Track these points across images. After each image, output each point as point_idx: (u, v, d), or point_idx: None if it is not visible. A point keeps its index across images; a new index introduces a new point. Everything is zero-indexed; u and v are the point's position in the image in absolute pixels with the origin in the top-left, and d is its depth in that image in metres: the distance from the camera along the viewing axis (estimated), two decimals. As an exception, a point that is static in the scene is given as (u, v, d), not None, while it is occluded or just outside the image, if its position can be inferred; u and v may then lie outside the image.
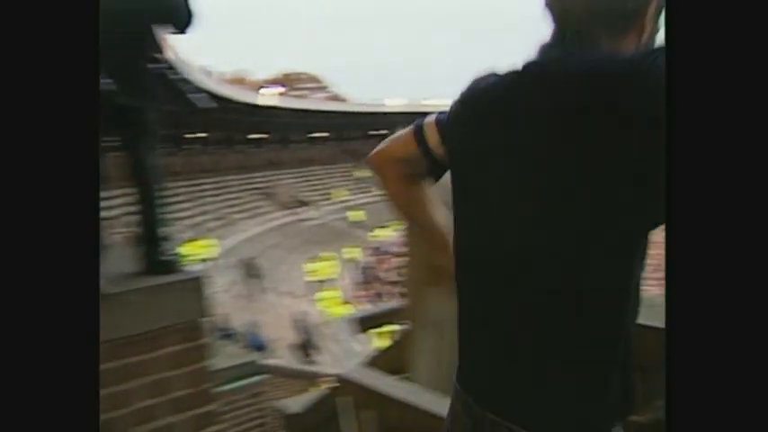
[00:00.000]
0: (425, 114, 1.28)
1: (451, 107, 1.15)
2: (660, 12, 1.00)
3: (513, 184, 0.96)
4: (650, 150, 0.84)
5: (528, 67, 0.99)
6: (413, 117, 1.38)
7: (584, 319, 0.92)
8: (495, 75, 1.05)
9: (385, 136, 1.46)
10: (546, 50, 0.99)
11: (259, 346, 13.37)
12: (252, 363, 4.61)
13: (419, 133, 1.27)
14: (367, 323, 4.44)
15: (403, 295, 2.79)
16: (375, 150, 1.35)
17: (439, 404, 2.31)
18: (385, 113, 46.07)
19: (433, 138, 1.25)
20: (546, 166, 0.90)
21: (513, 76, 1.00)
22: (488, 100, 1.04)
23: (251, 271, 21.75)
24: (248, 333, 14.47)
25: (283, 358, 13.48)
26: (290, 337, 15.88)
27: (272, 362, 9.47)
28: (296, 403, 3.95)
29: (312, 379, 7.86)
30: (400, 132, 1.31)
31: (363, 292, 22.41)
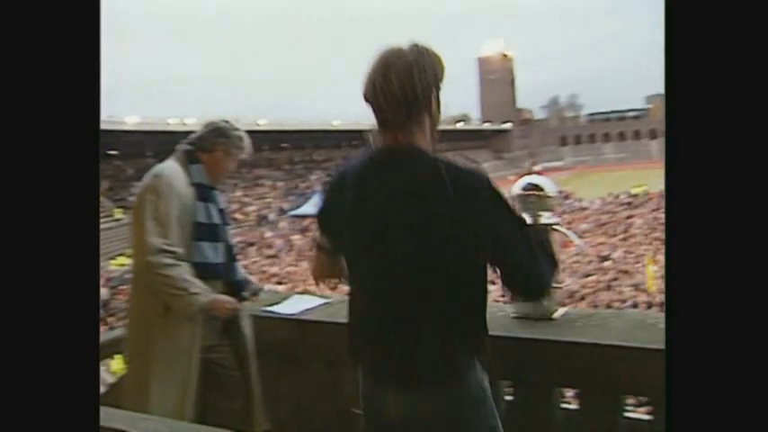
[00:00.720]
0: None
1: (318, 209, 1.80)
2: (439, 91, 1.59)
3: (388, 230, 1.55)
4: (468, 215, 1.49)
5: (371, 175, 1.60)
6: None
7: (455, 300, 1.57)
8: (347, 169, 1.67)
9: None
10: (379, 152, 1.60)
11: None
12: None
13: (317, 245, 1.92)
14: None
15: (128, 325, 2.64)
16: (311, 273, 2.04)
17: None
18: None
19: (322, 242, 1.88)
20: (410, 238, 1.52)
21: (365, 181, 1.60)
22: (348, 186, 1.63)
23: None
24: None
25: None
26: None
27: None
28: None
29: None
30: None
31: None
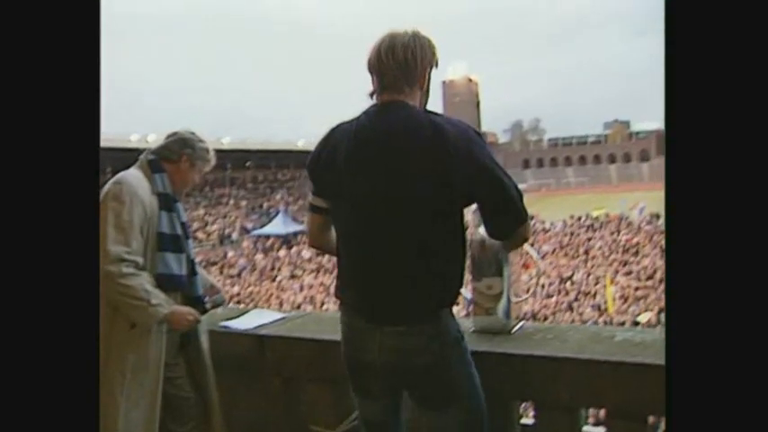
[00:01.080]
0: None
1: (310, 158, 1.93)
2: (431, 71, 1.86)
3: (377, 189, 1.75)
4: (453, 171, 1.69)
5: (366, 122, 1.80)
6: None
7: (432, 245, 1.77)
8: (343, 125, 1.87)
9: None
10: (377, 105, 1.82)
11: None
12: None
13: (312, 206, 2.04)
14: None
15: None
16: (308, 242, 2.23)
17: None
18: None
19: (316, 201, 2.00)
20: (395, 181, 1.72)
21: (360, 126, 1.80)
22: (343, 144, 1.81)
23: None
24: None
25: None
26: None
27: None
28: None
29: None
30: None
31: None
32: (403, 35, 1.80)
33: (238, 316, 2.91)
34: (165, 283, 2.45)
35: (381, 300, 1.81)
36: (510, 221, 1.85)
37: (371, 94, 1.86)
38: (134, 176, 2.51)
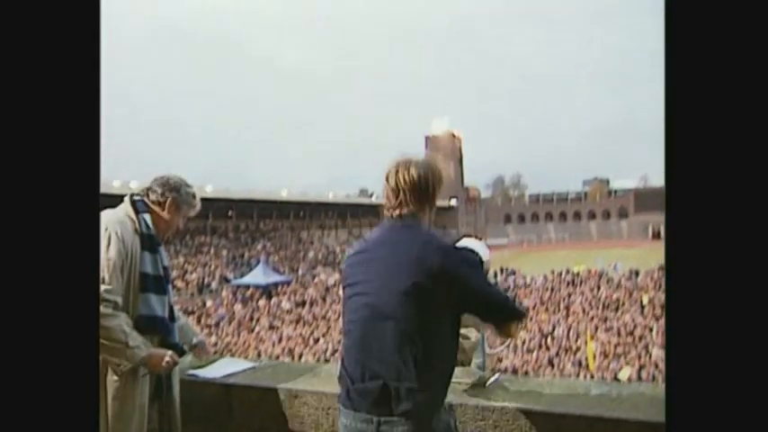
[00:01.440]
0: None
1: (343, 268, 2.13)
2: (438, 193, 2.07)
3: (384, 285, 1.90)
4: (448, 291, 1.86)
5: (380, 237, 2.04)
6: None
7: (429, 352, 1.84)
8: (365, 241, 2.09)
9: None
10: (391, 220, 2.04)
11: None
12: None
13: None
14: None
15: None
16: None
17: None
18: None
19: None
20: (400, 285, 1.86)
21: (378, 241, 2.03)
22: (363, 254, 2.06)
23: None
24: None
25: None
26: None
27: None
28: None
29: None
30: None
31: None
32: (418, 160, 2.05)
33: (207, 364, 2.82)
34: (146, 324, 2.38)
35: (378, 395, 1.86)
36: (507, 326, 1.96)
37: (387, 209, 2.07)
38: (117, 215, 2.47)
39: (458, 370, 2.28)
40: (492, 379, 2.30)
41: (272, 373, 2.74)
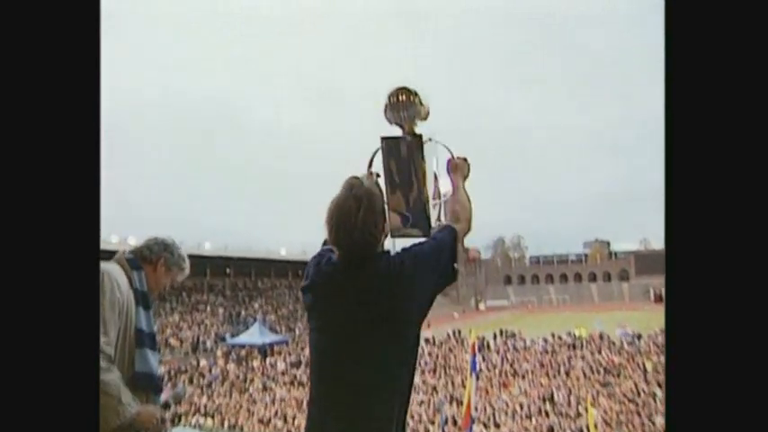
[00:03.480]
0: None
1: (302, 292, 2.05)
2: (385, 217, 2.00)
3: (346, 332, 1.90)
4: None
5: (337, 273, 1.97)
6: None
7: (382, 400, 1.85)
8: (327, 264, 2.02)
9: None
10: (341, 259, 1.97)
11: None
12: None
13: None
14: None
15: None
16: None
17: None
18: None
19: None
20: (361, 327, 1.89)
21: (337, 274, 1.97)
22: (321, 285, 2.00)
23: None
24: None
25: None
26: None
27: None
28: None
29: None
30: None
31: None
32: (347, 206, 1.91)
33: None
34: (141, 382, 2.33)
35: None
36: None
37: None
38: (113, 268, 2.47)
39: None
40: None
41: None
